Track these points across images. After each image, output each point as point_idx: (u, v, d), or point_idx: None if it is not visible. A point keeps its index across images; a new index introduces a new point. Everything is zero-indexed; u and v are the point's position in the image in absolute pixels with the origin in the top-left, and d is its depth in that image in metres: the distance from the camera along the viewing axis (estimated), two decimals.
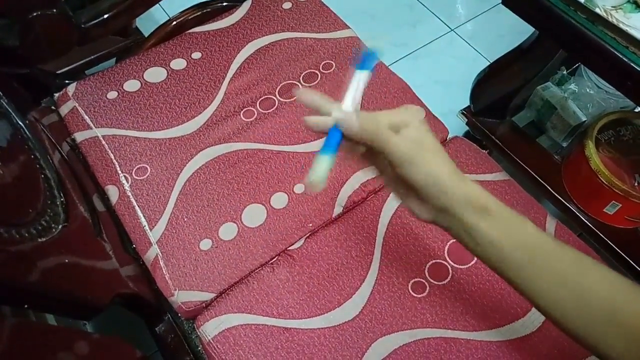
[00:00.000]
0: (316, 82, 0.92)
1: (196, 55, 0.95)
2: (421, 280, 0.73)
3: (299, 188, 0.81)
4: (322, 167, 0.41)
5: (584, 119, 1.03)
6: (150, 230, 0.78)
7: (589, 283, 0.41)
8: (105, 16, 0.96)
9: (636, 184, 0.93)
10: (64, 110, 0.90)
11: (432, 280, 0.73)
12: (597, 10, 0.66)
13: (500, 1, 0.80)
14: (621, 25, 0.65)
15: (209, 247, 0.76)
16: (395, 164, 0.41)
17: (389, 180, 0.46)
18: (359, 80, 0.45)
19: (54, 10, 0.86)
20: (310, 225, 0.79)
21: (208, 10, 1.05)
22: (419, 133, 0.42)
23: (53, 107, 0.93)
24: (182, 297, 0.73)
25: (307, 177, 0.40)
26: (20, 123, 0.73)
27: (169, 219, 0.78)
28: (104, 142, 0.85)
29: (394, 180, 0.45)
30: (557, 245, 0.43)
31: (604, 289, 0.41)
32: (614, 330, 0.40)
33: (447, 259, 0.75)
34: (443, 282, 0.73)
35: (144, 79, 0.92)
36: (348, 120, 0.41)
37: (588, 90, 1.06)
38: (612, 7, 0.67)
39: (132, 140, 0.86)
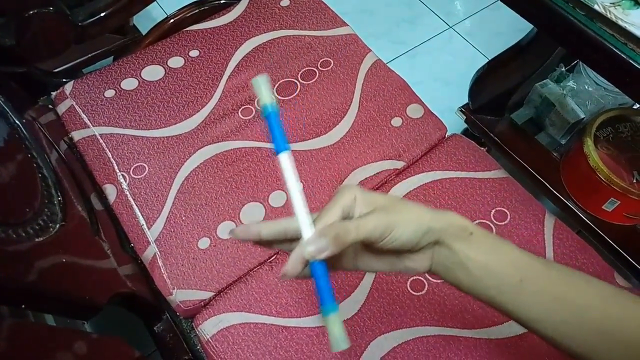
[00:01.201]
0: (314, 79, 0.92)
1: (194, 53, 0.95)
2: (420, 278, 0.73)
3: None
4: (336, 328, 0.37)
5: (582, 116, 1.03)
6: (149, 229, 0.78)
7: (582, 300, 0.41)
8: (102, 14, 0.95)
9: (635, 181, 0.94)
10: (61, 109, 0.90)
11: (430, 278, 0.73)
12: (596, 7, 0.66)
13: None
14: (620, 22, 0.64)
15: (207, 246, 0.76)
16: (376, 240, 0.39)
17: (369, 263, 0.44)
18: (289, 174, 0.40)
19: (51, 9, 0.86)
20: None
21: (205, 8, 1.05)
22: (371, 202, 0.41)
23: (50, 106, 0.92)
24: (181, 296, 0.72)
25: (331, 346, 0.37)
26: (17, 122, 0.73)
27: (167, 217, 0.78)
28: (101, 141, 0.85)
29: (374, 258, 0.43)
30: (545, 263, 0.42)
31: (598, 304, 0.41)
32: (613, 346, 0.40)
33: None
34: (442, 280, 0.73)
35: (141, 77, 0.92)
36: (321, 249, 0.37)
37: (586, 87, 1.06)
38: (610, 3, 0.67)
39: (129, 138, 0.85)
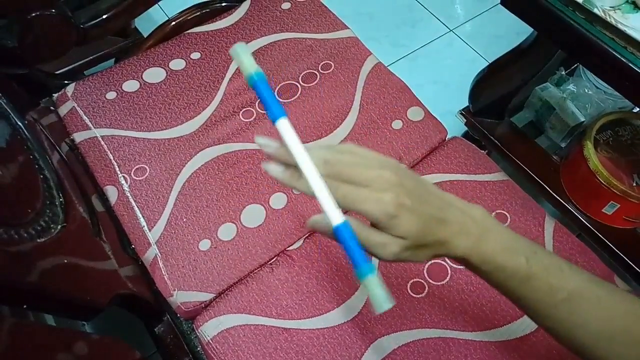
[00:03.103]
0: (315, 82, 0.92)
1: (195, 55, 0.95)
2: (420, 280, 0.73)
3: None
4: (377, 289, 0.35)
5: (582, 119, 1.03)
6: (150, 230, 0.78)
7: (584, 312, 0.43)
8: (104, 16, 0.96)
9: (634, 184, 0.94)
10: (63, 110, 0.90)
11: (431, 281, 0.73)
12: (596, 10, 0.67)
13: (499, 1, 0.80)
14: (619, 26, 0.65)
15: (208, 248, 0.76)
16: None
17: None
18: (291, 139, 0.37)
19: (53, 11, 0.86)
20: None
21: (207, 10, 1.05)
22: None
23: (52, 108, 0.93)
24: (181, 297, 0.73)
25: (375, 308, 0.35)
26: (19, 123, 0.73)
27: (168, 219, 0.78)
28: (102, 143, 0.85)
29: None
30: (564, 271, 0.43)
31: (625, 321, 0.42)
32: (611, 345, 0.42)
33: (446, 259, 0.75)
34: (442, 283, 0.73)
35: (143, 80, 0.92)
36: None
37: (586, 90, 1.06)
38: (610, 7, 0.67)
39: (131, 140, 0.86)
